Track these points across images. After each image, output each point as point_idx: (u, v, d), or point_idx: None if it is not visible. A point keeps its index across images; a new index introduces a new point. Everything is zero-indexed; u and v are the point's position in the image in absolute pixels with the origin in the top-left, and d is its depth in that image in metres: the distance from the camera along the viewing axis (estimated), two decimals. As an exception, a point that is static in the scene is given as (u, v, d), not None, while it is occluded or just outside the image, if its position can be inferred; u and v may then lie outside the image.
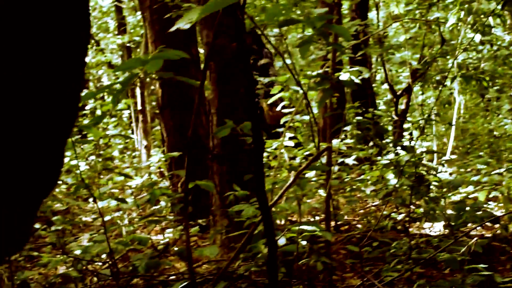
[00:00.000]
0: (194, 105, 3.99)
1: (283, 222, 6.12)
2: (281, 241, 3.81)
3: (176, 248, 5.90)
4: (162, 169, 10.77)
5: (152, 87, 13.62)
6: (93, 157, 13.43)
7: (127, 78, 4.44)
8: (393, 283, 4.86)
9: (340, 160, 9.59)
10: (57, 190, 13.07)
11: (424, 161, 5.73)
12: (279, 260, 3.66)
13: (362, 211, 8.17)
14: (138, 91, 13.56)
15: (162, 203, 8.21)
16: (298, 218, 3.74)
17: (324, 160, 5.85)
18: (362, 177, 8.73)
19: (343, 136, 9.78)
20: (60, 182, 12.74)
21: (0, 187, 0.60)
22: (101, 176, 11.13)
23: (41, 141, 0.65)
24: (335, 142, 8.87)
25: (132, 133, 14.70)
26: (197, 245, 7.19)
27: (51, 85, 0.65)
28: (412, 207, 6.06)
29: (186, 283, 4.48)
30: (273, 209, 4.29)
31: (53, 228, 7.00)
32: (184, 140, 8.54)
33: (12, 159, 0.62)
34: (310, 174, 7.70)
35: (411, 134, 11.73)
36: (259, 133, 3.63)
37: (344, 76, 5.17)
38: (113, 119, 14.44)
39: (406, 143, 9.22)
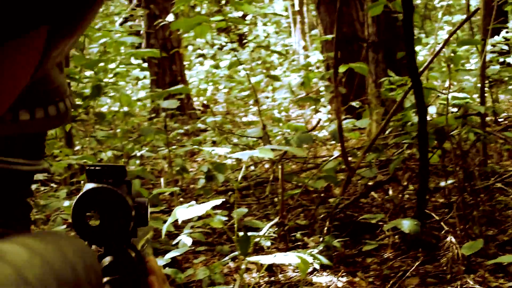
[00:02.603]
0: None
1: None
2: (432, 109, 3.83)
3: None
4: (321, 69, 10.84)
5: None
6: (253, 64, 13.70)
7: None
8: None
9: (501, 59, 9.28)
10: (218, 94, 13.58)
11: None
12: (430, 130, 3.68)
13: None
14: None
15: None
16: (449, 86, 3.72)
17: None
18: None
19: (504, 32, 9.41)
20: (222, 86, 13.29)
21: None
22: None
23: None
24: (496, 38, 8.59)
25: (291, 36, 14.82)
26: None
27: None
28: None
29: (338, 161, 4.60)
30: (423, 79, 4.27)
31: (212, 118, 7.27)
32: (341, 36, 8.58)
33: None
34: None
35: None
36: (411, 6, 3.64)
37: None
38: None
39: None
